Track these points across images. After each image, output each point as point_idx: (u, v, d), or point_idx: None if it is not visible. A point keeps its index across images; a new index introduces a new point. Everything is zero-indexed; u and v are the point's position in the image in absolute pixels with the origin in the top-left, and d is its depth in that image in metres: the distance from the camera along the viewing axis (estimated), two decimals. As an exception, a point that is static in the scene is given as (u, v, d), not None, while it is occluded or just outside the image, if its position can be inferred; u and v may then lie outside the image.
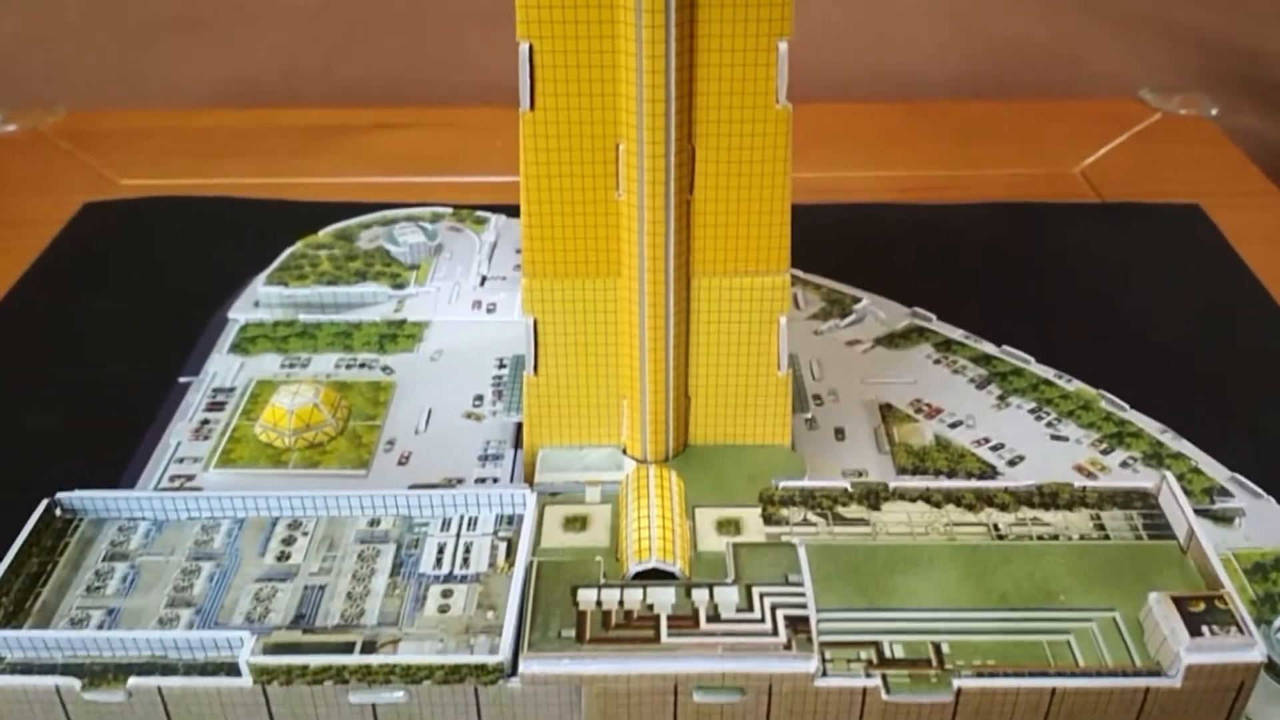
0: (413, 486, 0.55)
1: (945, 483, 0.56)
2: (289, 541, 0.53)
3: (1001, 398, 0.68)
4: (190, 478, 0.63)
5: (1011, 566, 0.51)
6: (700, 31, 0.48)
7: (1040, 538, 0.53)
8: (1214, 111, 1.14)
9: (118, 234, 0.94)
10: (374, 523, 0.54)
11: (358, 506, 0.54)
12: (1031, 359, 0.72)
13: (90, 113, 1.16)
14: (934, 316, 0.76)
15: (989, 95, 1.20)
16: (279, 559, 0.52)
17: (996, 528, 0.53)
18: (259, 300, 0.78)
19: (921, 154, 1.07)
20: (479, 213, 0.88)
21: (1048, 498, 0.55)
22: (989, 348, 0.73)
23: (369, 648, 0.47)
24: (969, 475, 0.62)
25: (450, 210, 0.88)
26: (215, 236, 0.92)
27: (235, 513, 0.54)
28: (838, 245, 0.83)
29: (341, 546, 0.53)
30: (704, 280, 0.54)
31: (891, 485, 0.55)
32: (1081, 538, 0.53)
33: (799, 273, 0.80)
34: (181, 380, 0.72)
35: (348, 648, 0.47)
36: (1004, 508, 0.54)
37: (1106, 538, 0.53)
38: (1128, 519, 0.54)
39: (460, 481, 0.61)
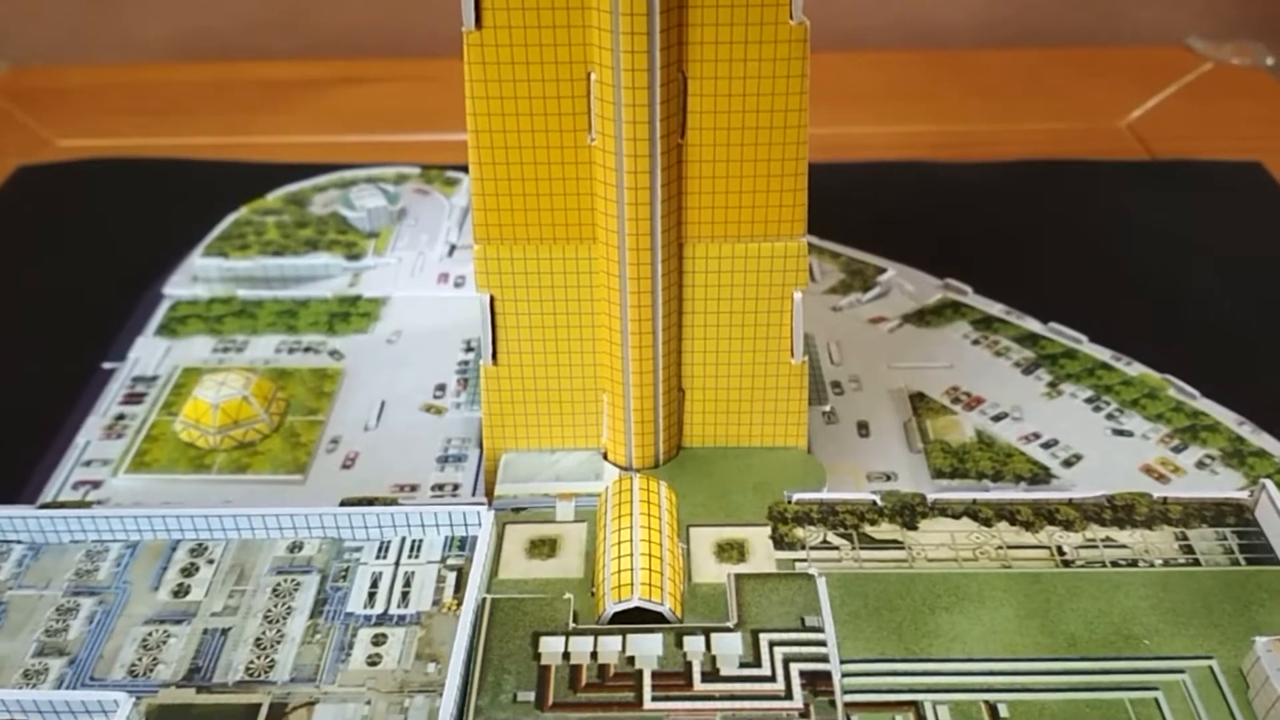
0: (344, 502, 0.45)
1: (995, 494, 0.47)
2: (189, 571, 0.43)
3: (1052, 384, 0.59)
4: (97, 484, 0.53)
5: (1081, 602, 0.41)
6: (692, -74, 0.38)
7: (1115, 564, 0.43)
8: (1269, 61, 1.04)
9: (51, 200, 0.86)
10: (295, 547, 0.44)
11: (275, 527, 0.44)
12: (1084, 338, 0.62)
13: (34, 69, 1.07)
14: (969, 289, 0.67)
15: (1015, 43, 1.10)
16: (175, 594, 0.43)
17: (1060, 551, 0.44)
18: (197, 274, 0.69)
19: (944, 108, 0.98)
20: (449, 173, 0.78)
21: (1121, 512, 0.45)
22: (1034, 325, 0.63)
23: (276, 713, 0.37)
24: (1018, 479, 0.52)
25: (417, 171, 0.79)
26: (158, 202, 0.84)
27: (127, 534, 0.45)
28: (856, 208, 0.74)
29: (253, 578, 0.43)
30: (700, 247, 0.44)
31: (930, 498, 0.45)
32: (1165, 563, 0.43)
33: (813, 239, 0.70)
34: (106, 366, 0.63)
35: (250, 713, 0.37)
36: (1068, 525, 0.45)
37: (1196, 563, 0.44)
38: (1219, 538, 0.45)
39: (414, 489, 0.52)
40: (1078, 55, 1.05)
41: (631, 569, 0.41)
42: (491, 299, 0.45)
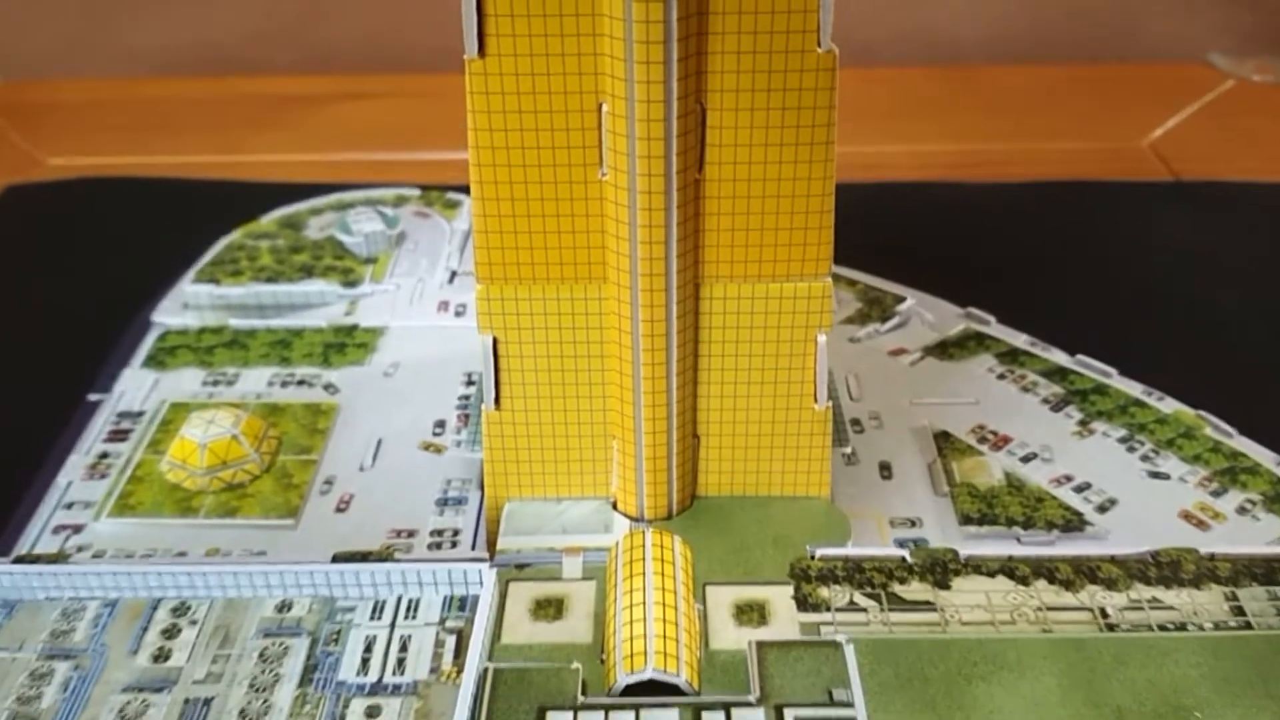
0: (336, 557, 0.42)
1: (1031, 548, 0.44)
2: (171, 633, 0.41)
3: (1083, 423, 0.56)
4: (78, 528, 0.51)
5: (1129, 670, 0.39)
6: (712, -52, 0.35)
7: (1163, 627, 0.40)
8: (1293, 78, 1.01)
9: (39, 221, 0.83)
10: (284, 607, 0.41)
11: (263, 585, 0.41)
12: (1114, 371, 0.60)
13: (25, 83, 1.04)
14: (992, 319, 0.64)
15: (1029, 58, 1.07)
16: (156, 659, 0.40)
17: (1104, 613, 0.41)
18: (187, 301, 0.66)
19: (959, 126, 0.95)
20: (450, 194, 0.75)
21: (1167, 570, 0.42)
22: (1061, 357, 0.61)
23: (261, 797, 0.35)
24: (1050, 526, 0.49)
25: (417, 192, 0.76)
26: (151, 223, 0.82)
27: (105, 592, 0.42)
28: (871, 231, 0.71)
29: (239, 641, 0.40)
30: (717, 287, 0.42)
31: (963, 554, 0.42)
32: (1216, 626, 0.40)
33: (829, 266, 0.67)
34: (91, 398, 0.60)
35: (232, 796, 0.35)
36: (1111, 584, 0.42)
37: (1248, 626, 0.41)
38: (1271, 598, 0.42)
39: (412, 535, 0.49)
40: (1095, 72, 1.02)
41: (645, 635, 0.38)
42: (495, 341, 0.42)
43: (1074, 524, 0.49)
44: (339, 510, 0.51)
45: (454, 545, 0.49)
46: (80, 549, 0.49)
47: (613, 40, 0.36)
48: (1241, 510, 0.51)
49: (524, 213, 0.40)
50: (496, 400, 0.44)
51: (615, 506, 0.46)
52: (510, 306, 0.41)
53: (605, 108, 0.38)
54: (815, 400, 0.44)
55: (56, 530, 0.51)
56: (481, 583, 0.41)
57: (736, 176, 0.39)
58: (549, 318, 0.42)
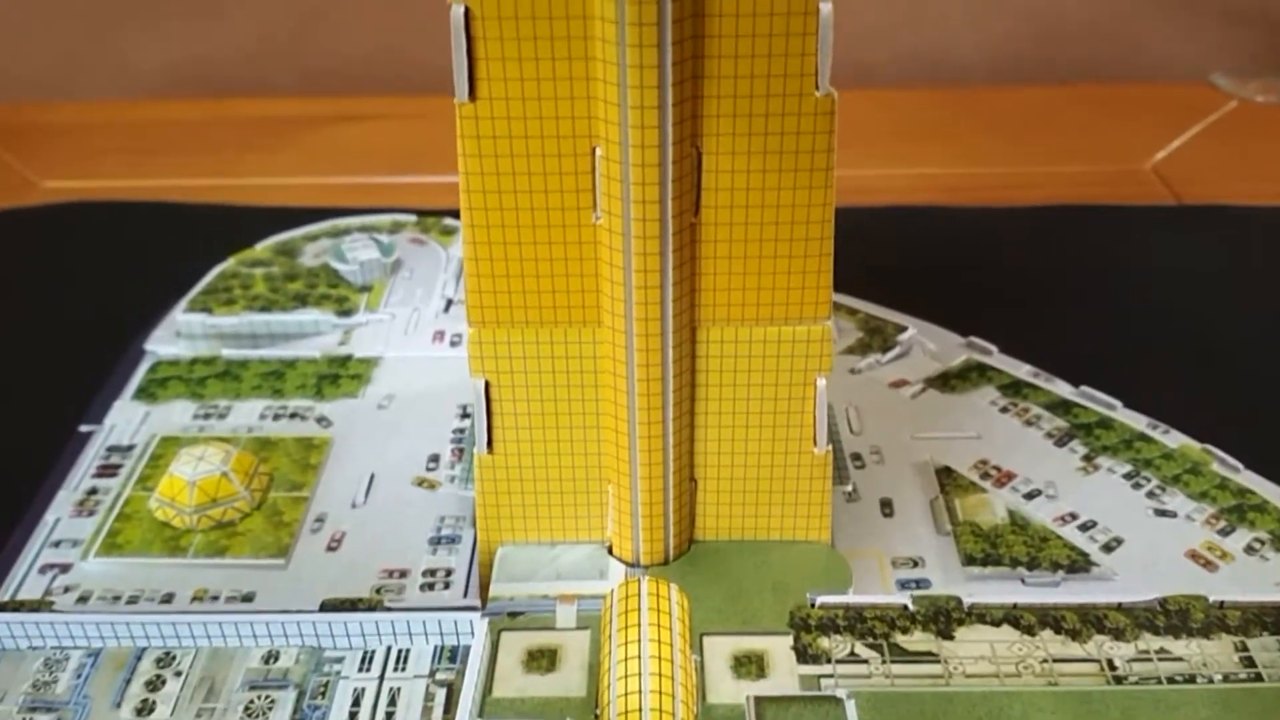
0: (325, 606, 0.42)
1: (1037, 596, 0.43)
2: (155, 685, 0.40)
3: (1088, 458, 0.55)
4: (65, 568, 0.50)
5: (1137, 725, 0.38)
6: (708, -10, 0.34)
7: (1171, 679, 0.39)
8: (1296, 99, 1.01)
9: (32, 246, 0.82)
10: (270, 657, 0.40)
11: (249, 635, 0.40)
12: (1118, 403, 0.58)
13: (18, 105, 1.04)
14: (995, 349, 0.63)
15: (1032, 80, 1.07)
16: (139, 712, 0.39)
17: (1111, 665, 0.40)
18: (180, 330, 0.65)
19: (960, 149, 0.95)
20: (447, 220, 0.75)
21: (1175, 618, 0.41)
22: (1065, 389, 0.60)
23: None
24: (1055, 567, 0.48)
25: (414, 218, 0.75)
26: (146, 249, 0.81)
27: (89, 641, 0.41)
28: (871, 257, 0.70)
29: (224, 694, 0.39)
30: (714, 331, 0.41)
31: (966, 602, 0.41)
32: (1225, 678, 0.39)
33: (829, 295, 0.66)
34: (83, 430, 0.59)
35: None
36: (1119, 634, 0.41)
37: (1258, 677, 0.40)
38: (1283, 648, 0.41)
39: (404, 575, 0.48)
40: (1097, 93, 1.01)
41: (640, 691, 0.37)
42: (487, 384, 0.41)
43: (1079, 564, 0.48)
44: (330, 549, 0.50)
45: (447, 586, 0.48)
46: (67, 589, 0.48)
47: (606, 84, 0.35)
48: (1250, 549, 0.50)
49: (517, 256, 0.39)
50: (489, 444, 0.43)
51: (611, 551, 0.45)
52: (503, 350, 0.40)
53: (599, 151, 0.37)
54: (815, 444, 0.43)
55: (44, 570, 0.50)
56: (473, 633, 0.40)
57: (734, 220, 0.38)
58: (542, 361, 0.41)
